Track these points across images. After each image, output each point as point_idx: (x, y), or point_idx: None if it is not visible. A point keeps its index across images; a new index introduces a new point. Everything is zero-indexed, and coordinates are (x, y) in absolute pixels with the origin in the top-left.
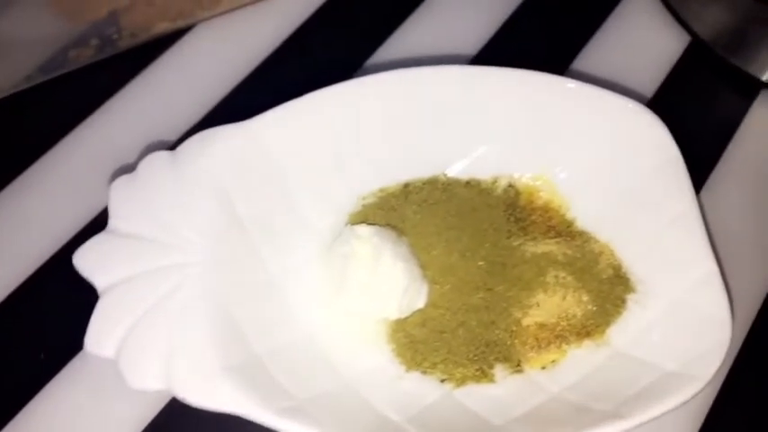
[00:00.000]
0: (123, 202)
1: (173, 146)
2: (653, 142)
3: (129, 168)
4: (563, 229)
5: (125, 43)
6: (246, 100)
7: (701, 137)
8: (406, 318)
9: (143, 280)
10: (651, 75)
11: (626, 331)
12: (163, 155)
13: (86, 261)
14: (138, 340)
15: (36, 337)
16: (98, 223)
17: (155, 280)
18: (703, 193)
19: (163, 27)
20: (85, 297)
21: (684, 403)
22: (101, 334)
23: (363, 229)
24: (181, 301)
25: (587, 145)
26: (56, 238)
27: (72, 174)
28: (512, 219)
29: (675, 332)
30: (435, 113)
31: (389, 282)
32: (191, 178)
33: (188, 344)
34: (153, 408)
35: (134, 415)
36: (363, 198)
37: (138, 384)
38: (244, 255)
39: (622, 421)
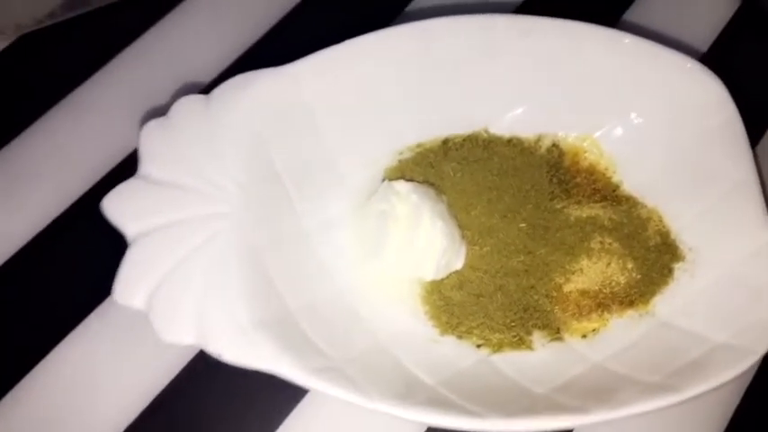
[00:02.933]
0: (155, 146)
1: (206, 89)
2: (710, 103)
3: (160, 111)
4: (608, 193)
5: None
6: (282, 44)
7: (755, 96)
8: (443, 279)
9: (175, 229)
10: (704, 29)
11: (672, 301)
12: (197, 99)
13: (116, 207)
14: (170, 292)
15: (62, 282)
16: (127, 166)
17: (188, 229)
18: (757, 152)
19: None
20: (114, 242)
21: (737, 377)
22: (131, 284)
23: (402, 186)
24: (214, 252)
25: (638, 104)
26: (83, 180)
27: (100, 114)
28: (555, 180)
29: (726, 303)
30: (479, 65)
31: (428, 242)
32: (226, 124)
33: (221, 297)
34: (180, 361)
35: (161, 367)
36: (400, 153)
37: (170, 338)
38: (278, 206)
39: (673, 394)
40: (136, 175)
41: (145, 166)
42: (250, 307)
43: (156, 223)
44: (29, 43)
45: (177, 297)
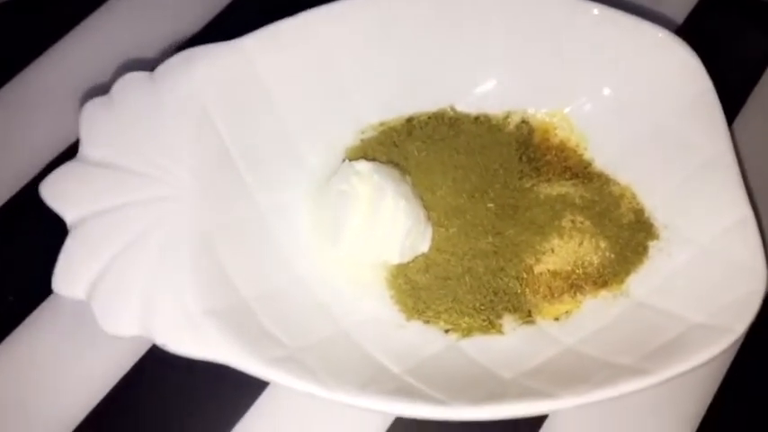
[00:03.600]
0: (96, 126)
1: (151, 67)
2: (683, 75)
3: (103, 90)
4: (580, 170)
5: None
6: (235, 19)
7: (730, 70)
8: (408, 263)
9: (118, 214)
10: (679, 1)
11: (647, 281)
12: (140, 75)
13: (55, 191)
14: (113, 281)
15: (4, 277)
16: (71, 152)
17: (131, 214)
18: (734, 129)
19: None
20: (58, 233)
21: (714, 358)
22: (70, 273)
23: (363, 165)
24: (160, 238)
25: (610, 78)
26: (25, 169)
27: (42, 98)
28: (524, 158)
29: (703, 282)
30: (443, 39)
31: (391, 223)
32: (171, 102)
33: (168, 286)
34: (131, 356)
35: (110, 364)
36: (362, 132)
37: (113, 329)
38: (230, 190)
39: (647, 377)
40: (76, 158)
41: (85, 147)
42: (199, 295)
43: (97, 208)
44: None
45: (120, 286)
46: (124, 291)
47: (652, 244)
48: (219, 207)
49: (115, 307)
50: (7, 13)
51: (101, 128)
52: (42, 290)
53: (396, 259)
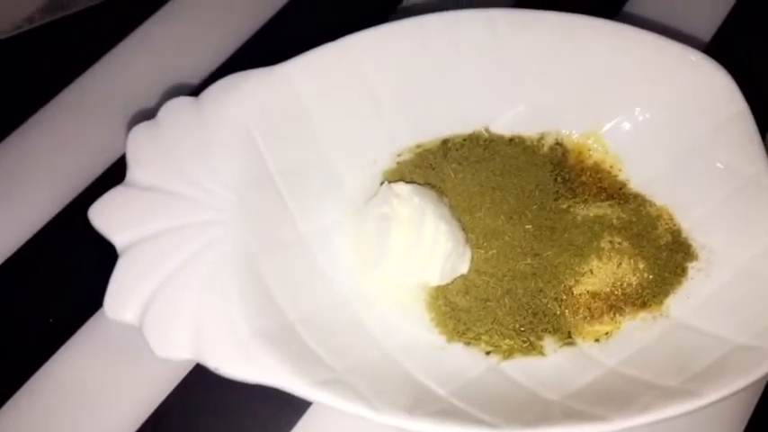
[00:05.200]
0: (143, 151)
1: (195, 91)
2: (717, 96)
3: (148, 114)
4: (615, 191)
5: None
6: (275, 42)
7: (760, 87)
8: (448, 285)
9: (166, 238)
10: (706, 19)
11: (687, 302)
12: (185, 101)
13: (103, 217)
14: (163, 305)
15: (52, 295)
16: (115, 173)
17: (179, 238)
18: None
19: None
20: (102, 252)
21: (762, 378)
22: (122, 298)
23: (403, 188)
24: (208, 261)
25: (643, 99)
26: (69, 188)
27: (85, 118)
28: (559, 179)
29: (744, 302)
30: (477, 62)
31: (431, 245)
32: (216, 127)
33: (217, 308)
34: (173, 378)
35: (153, 385)
36: (398, 155)
37: (165, 353)
38: (274, 212)
39: (694, 399)
40: (124, 182)
41: (133, 171)
42: (248, 318)
43: (146, 232)
44: (7, 49)
45: (171, 310)
46: (175, 315)
47: (691, 265)
48: (263, 231)
49: (166, 331)
50: (46, 33)
51: (147, 152)
52: (86, 311)
53: (436, 281)
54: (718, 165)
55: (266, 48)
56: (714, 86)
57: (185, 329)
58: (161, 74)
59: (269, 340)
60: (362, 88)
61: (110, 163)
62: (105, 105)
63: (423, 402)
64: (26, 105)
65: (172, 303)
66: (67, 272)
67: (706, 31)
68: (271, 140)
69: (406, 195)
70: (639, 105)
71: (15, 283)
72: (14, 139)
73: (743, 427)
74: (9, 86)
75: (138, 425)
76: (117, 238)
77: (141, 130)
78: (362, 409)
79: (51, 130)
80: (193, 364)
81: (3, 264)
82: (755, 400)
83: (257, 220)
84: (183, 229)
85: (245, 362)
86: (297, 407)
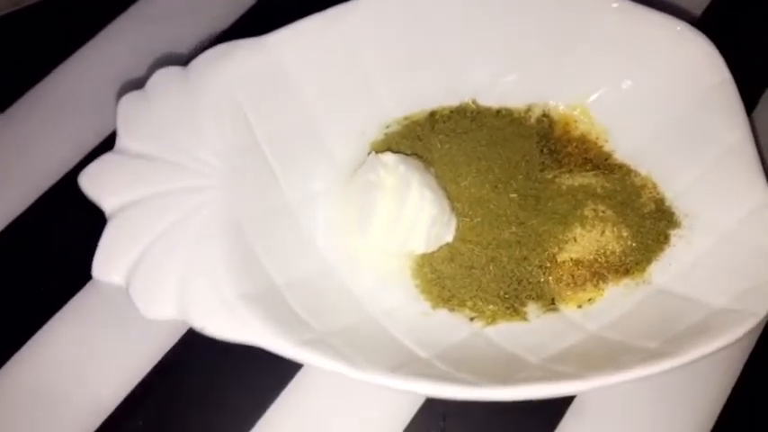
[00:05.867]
0: (132, 119)
1: (184, 61)
2: (702, 65)
3: (138, 84)
4: (601, 162)
5: None
6: (265, 15)
7: (749, 61)
8: (433, 252)
9: (155, 203)
10: None
11: (669, 268)
12: (174, 71)
13: (93, 182)
14: (150, 266)
15: (45, 262)
16: (108, 144)
17: (167, 203)
18: (753, 118)
19: None
20: (96, 222)
21: (737, 340)
22: (109, 259)
23: (390, 157)
24: (195, 226)
25: (629, 70)
26: (63, 161)
27: (78, 92)
28: (545, 150)
29: (724, 268)
30: (464, 34)
31: (417, 213)
32: (204, 96)
33: (203, 271)
34: (165, 342)
35: (145, 349)
36: (386, 126)
37: (150, 313)
38: (261, 180)
39: (673, 358)
40: (113, 150)
41: (122, 139)
42: (233, 280)
43: (135, 197)
44: (5, 25)
45: (157, 271)
46: (161, 276)
47: (673, 232)
48: (251, 197)
49: (153, 291)
50: (44, 9)
51: (137, 121)
52: (80, 278)
53: (421, 249)
54: (702, 134)
55: (256, 22)
56: (698, 56)
57: (171, 290)
58: (152, 46)
59: (253, 301)
60: (350, 59)
61: (102, 135)
62: (98, 78)
63: (406, 364)
64: (20, 82)
65: (158, 265)
66: (60, 243)
67: (698, 4)
68: (259, 110)
69: (393, 164)
70: (625, 76)
71: (8, 254)
72: (8, 114)
73: (730, 389)
74: (6, 63)
75: (130, 388)
76: (106, 203)
77: (130, 98)
78: (345, 368)
79: (46, 104)
80: (183, 331)
81: (1, 232)
82: (741, 366)
83: (244, 186)
84: (170, 195)
85: (229, 321)
86: (287, 370)
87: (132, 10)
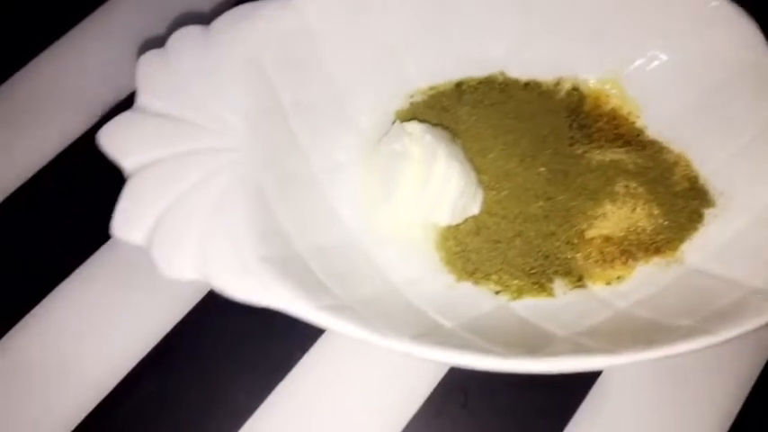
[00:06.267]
0: (153, 77)
1: (207, 21)
2: (739, 40)
3: (159, 44)
4: (632, 138)
5: None
6: None
7: None
8: (458, 225)
9: (176, 163)
10: None
11: (702, 248)
12: (196, 29)
13: (112, 140)
14: (171, 226)
15: (63, 221)
16: (128, 104)
17: (189, 163)
18: None
19: None
20: (116, 182)
21: None
22: (130, 217)
23: (415, 126)
24: (217, 187)
25: (664, 44)
26: (83, 119)
27: (99, 51)
28: (575, 125)
29: (760, 248)
30: (493, 2)
31: (443, 184)
32: (227, 56)
33: (224, 233)
34: (185, 304)
35: (164, 311)
36: (411, 96)
37: (171, 273)
38: (284, 145)
39: (706, 336)
40: (133, 108)
41: (142, 97)
42: (255, 243)
43: (155, 157)
44: None
45: (179, 231)
46: (182, 236)
47: (708, 211)
48: (273, 161)
49: (173, 252)
50: None
51: (157, 79)
52: (97, 238)
53: (446, 220)
54: (739, 111)
55: None
56: (735, 30)
57: (192, 251)
58: (172, 4)
59: (275, 265)
60: (377, 25)
61: (122, 94)
62: (120, 37)
63: (430, 332)
64: (39, 39)
65: (180, 225)
66: (78, 202)
67: None
68: (283, 72)
69: (418, 134)
70: (659, 49)
71: (26, 212)
72: (27, 72)
73: (757, 373)
74: (27, 19)
75: (148, 348)
76: (126, 162)
77: (151, 56)
78: (368, 334)
79: (68, 61)
80: (202, 294)
81: (16, 192)
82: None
83: (267, 150)
84: (191, 155)
85: (250, 283)
86: (308, 336)
87: None
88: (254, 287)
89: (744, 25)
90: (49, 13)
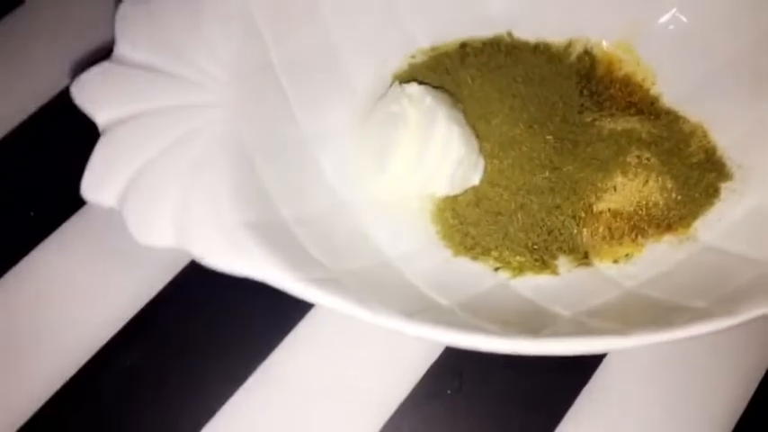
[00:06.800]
0: (132, 25)
1: None
2: (762, 6)
3: None
4: (646, 106)
5: None
6: None
7: None
8: (457, 196)
9: (154, 117)
10: None
11: (717, 224)
12: None
13: (86, 92)
14: (147, 187)
15: (36, 183)
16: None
17: (168, 119)
18: None
19: None
20: (92, 140)
21: None
22: (101, 177)
23: (415, 88)
24: (198, 146)
25: (681, 6)
26: (60, 72)
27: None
28: (586, 92)
29: None
30: None
31: (442, 149)
32: (214, 4)
33: (205, 195)
34: (164, 274)
35: (143, 281)
36: (412, 56)
37: (145, 239)
38: (273, 104)
39: (723, 318)
40: (110, 58)
41: (120, 47)
42: (237, 208)
43: (132, 111)
44: None
45: (154, 193)
46: (158, 198)
47: (724, 185)
48: (261, 121)
49: (149, 215)
50: None
51: (137, 27)
52: (72, 202)
53: (445, 190)
54: (759, 79)
55: None
56: None
57: (169, 214)
58: None
59: (259, 232)
60: None
61: (101, 45)
62: None
63: (424, 310)
64: None
65: (156, 186)
66: (53, 163)
67: None
68: (274, 26)
69: (418, 96)
70: (677, 11)
71: (3, 169)
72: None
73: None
74: None
75: (125, 319)
76: (99, 116)
77: (131, 3)
78: (358, 309)
79: (42, 12)
80: (183, 264)
81: None
82: None
83: (254, 109)
84: (172, 110)
85: (231, 252)
86: (295, 311)
87: None
88: (237, 256)
89: None
90: None
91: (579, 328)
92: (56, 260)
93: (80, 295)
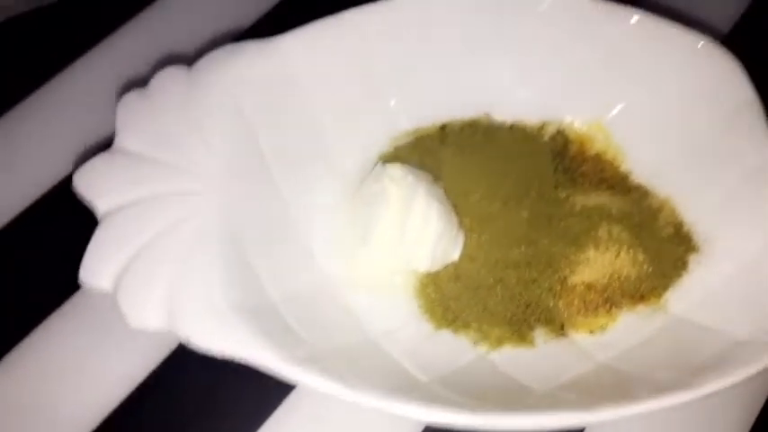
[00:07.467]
0: (132, 117)
1: (191, 62)
2: (725, 84)
3: (142, 83)
4: (617, 183)
5: None
6: (276, 19)
7: None
8: (438, 271)
9: (149, 205)
10: (726, 9)
11: (687, 296)
12: (178, 70)
13: (87, 181)
14: (140, 272)
15: (37, 268)
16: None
17: (162, 206)
18: None
19: None
20: (92, 226)
21: (760, 373)
22: (97, 263)
23: (397, 169)
24: (190, 232)
25: (649, 88)
26: (64, 161)
27: (84, 93)
28: (560, 168)
29: (746, 297)
30: (479, 45)
31: (423, 226)
32: (207, 97)
33: (195, 280)
34: (156, 356)
35: (136, 363)
36: (395, 139)
37: (137, 321)
38: (262, 189)
39: (689, 390)
40: (111, 148)
41: (121, 138)
42: (226, 291)
43: (129, 199)
44: (15, 26)
45: (147, 278)
46: (150, 283)
47: (692, 258)
48: (250, 205)
49: (140, 299)
50: (53, 10)
51: (137, 119)
52: (70, 286)
53: (426, 266)
54: (724, 156)
55: (267, 23)
56: (721, 74)
57: (160, 298)
58: (158, 46)
59: (245, 313)
60: (360, 67)
61: (105, 136)
62: (107, 79)
63: (405, 387)
64: (28, 81)
65: (148, 271)
66: (54, 248)
67: (725, 21)
68: (263, 115)
69: (400, 175)
70: (645, 94)
71: (6, 254)
72: (12, 116)
73: (751, 422)
74: (13, 64)
75: (117, 402)
76: (99, 204)
77: (132, 96)
78: (339, 388)
79: (47, 108)
80: (173, 346)
81: None
82: (763, 402)
83: (244, 194)
84: (166, 197)
85: (217, 333)
86: (280, 390)
87: (146, 12)
88: (221, 337)
89: (730, 67)
90: (36, 57)
91: (552, 401)
92: (53, 342)
93: (74, 376)
